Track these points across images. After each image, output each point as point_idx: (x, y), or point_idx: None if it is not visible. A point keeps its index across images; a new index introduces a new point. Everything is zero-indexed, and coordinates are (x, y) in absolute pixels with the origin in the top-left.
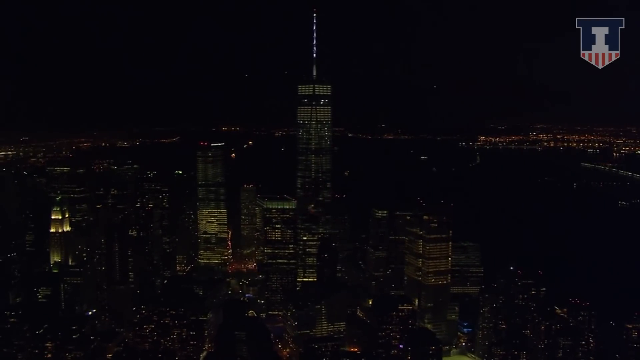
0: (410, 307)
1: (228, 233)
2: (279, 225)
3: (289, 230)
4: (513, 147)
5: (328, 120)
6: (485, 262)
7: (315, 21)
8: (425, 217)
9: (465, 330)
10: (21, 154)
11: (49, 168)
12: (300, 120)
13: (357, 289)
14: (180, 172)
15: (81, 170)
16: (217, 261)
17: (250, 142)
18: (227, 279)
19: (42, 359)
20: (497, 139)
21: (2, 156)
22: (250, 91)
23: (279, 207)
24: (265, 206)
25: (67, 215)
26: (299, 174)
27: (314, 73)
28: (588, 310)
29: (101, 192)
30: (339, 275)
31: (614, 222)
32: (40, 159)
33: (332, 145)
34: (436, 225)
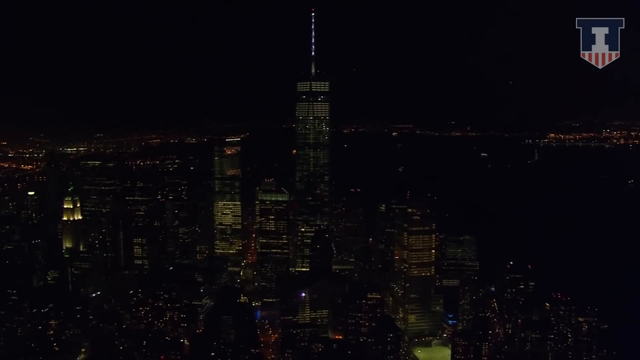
0: (379, 296)
1: (251, 225)
2: (272, 217)
3: (282, 222)
4: (580, 144)
5: (326, 116)
6: (489, 258)
7: (313, 20)
8: (408, 209)
9: (450, 322)
10: (92, 149)
11: (82, 162)
12: (300, 116)
13: (363, 279)
14: None
15: (111, 164)
16: (232, 251)
17: None
18: (238, 268)
19: (45, 334)
20: (567, 136)
21: (74, 151)
22: None
23: (273, 199)
24: (260, 198)
25: (78, 205)
26: (298, 168)
27: (312, 70)
28: (568, 306)
29: (128, 185)
30: (351, 267)
31: None
32: (114, 153)
33: (332, 140)
34: (419, 217)
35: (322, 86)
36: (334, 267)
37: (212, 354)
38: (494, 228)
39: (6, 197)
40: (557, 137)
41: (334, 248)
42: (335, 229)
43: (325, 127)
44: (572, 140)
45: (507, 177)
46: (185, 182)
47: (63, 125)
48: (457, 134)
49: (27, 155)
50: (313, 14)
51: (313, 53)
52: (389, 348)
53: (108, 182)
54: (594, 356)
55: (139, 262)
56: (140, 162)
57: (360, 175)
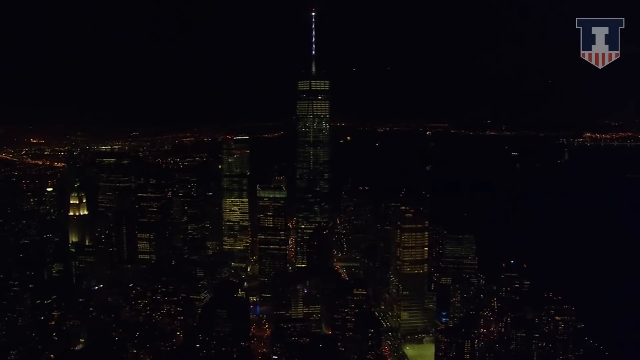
0: (365, 293)
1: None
2: (270, 213)
3: (280, 218)
4: (616, 144)
5: (326, 115)
6: (492, 256)
7: (313, 19)
8: (401, 207)
9: (443, 319)
10: (127, 147)
11: (97, 159)
12: (300, 114)
13: (367, 276)
14: None
15: (126, 162)
16: (239, 248)
17: (349, 138)
18: (245, 264)
19: (46, 324)
20: (604, 135)
21: (108, 149)
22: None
23: (271, 196)
24: (258, 195)
25: (84, 200)
26: (298, 165)
27: (313, 69)
28: (559, 305)
29: (142, 182)
30: (357, 264)
31: None
32: (144, 152)
33: (332, 138)
34: (411, 215)
35: (322, 85)
36: (340, 263)
37: (198, 345)
38: (500, 227)
39: (28, 193)
40: (593, 136)
41: (344, 244)
42: (348, 226)
43: (325, 125)
44: (607, 140)
45: (533, 176)
46: (194, 179)
47: (100, 123)
48: (492, 133)
49: (62, 153)
50: (313, 13)
51: (313, 52)
52: (369, 343)
53: (122, 178)
54: (570, 355)
55: (147, 257)
56: (170, 159)
57: (384, 174)
